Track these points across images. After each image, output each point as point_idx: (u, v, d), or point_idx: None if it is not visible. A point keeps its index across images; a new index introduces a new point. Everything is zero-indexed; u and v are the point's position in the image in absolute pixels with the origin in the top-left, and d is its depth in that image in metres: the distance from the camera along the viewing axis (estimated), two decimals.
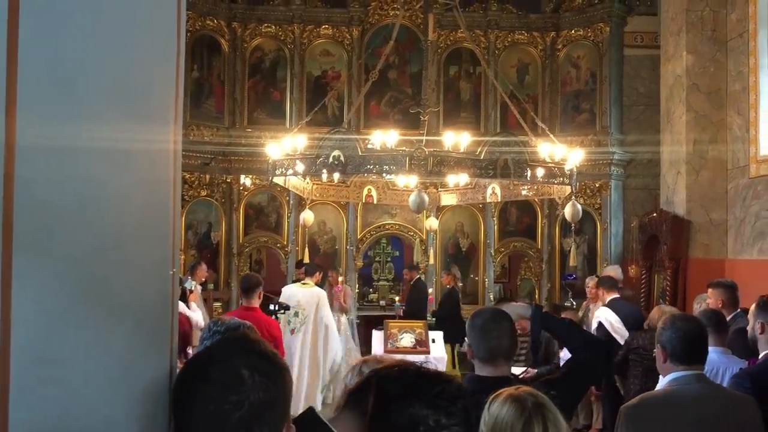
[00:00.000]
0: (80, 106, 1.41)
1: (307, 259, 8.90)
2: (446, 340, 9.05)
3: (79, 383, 1.49)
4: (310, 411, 1.77)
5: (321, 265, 8.60)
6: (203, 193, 10.99)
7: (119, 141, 1.68)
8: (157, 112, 2.01)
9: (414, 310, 9.77)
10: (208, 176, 11.02)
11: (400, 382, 1.67)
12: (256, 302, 5.54)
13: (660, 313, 6.42)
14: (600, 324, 7.03)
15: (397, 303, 10.82)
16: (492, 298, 11.21)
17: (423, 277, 10.37)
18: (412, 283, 10.66)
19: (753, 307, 3.81)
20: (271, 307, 8.09)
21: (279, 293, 9.33)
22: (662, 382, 3.08)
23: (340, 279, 9.83)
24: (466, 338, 2.94)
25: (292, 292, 7.68)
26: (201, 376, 1.48)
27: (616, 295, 7.41)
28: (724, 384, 3.74)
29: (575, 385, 3.11)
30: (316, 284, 7.85)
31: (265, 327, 5.22)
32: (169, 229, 2.12)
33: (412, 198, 5.87)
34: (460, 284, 10.91)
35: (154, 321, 1.95)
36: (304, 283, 7.77)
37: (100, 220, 1.57)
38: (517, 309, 3.16)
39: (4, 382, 1.13)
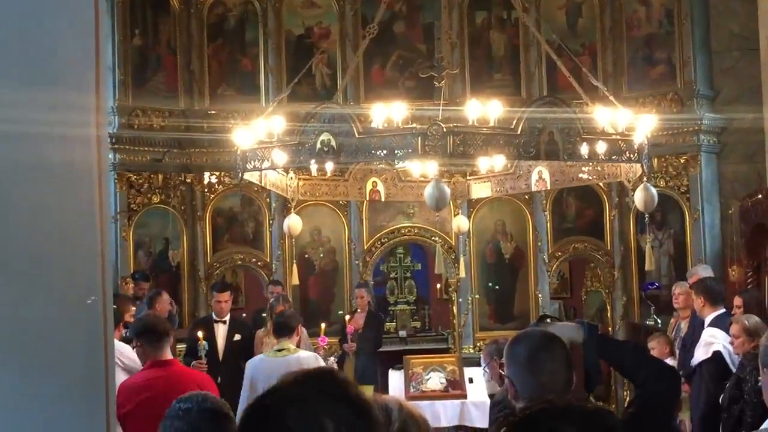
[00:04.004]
0: None
1: (296, 281, 8.94)
2: (367, 380, 8.85)
3: None
4: None
5: (293, 315, 7.40)
6: (155, 199, 11.09)
7: (24, 125, 1.73)
8: (72, 90, 2.06)
9: None
10: (160, 176, 11.13)
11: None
12: (168, 353, 5.23)
13: (741, 328, 6.34)
14: (717, 354, 6.72)
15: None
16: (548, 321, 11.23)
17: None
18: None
19: None
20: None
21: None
22: None
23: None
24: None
25: (265, 370, 6.58)
26: (274, 419, 1.53)
27: (722, 311, 7.26)
28: None
29: (649, 429, 3.15)
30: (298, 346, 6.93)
31: (196, 386, 4.65)
32: (96, 246, 2.17)
33: (428, 191, 5.91)
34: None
35: (82, 370, 2.00)
36: (278, 350, 6.71)
37: (4, 233, 1.63)
38: (564, 331, 3.20)
39: None
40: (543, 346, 2.94)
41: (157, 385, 4.76)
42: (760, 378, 5.79)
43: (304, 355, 6.81)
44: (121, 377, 5.79)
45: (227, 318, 8.99)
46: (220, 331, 8.91)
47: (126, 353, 6.46)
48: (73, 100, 2.11)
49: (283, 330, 6.82)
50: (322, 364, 6.88)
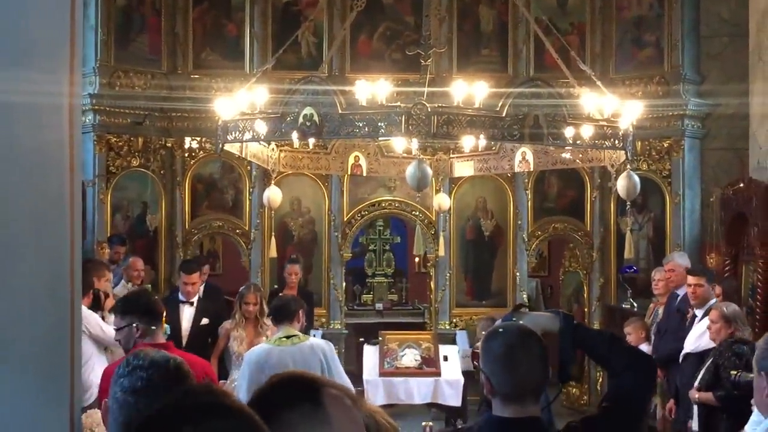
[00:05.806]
0: None
1: (274, 254, 8.89)
2: None
3: None
4: None
5: (294, 299, 6.73)
6: (135, 162, 10.99)
7: None
8: (43, 54, 1.98)
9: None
10: (141, 140, 11.03)
11: None
12: (162, 335, 4.75)
13: (719, 314, 6.48)
14: None
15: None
16: (525, 299, 11.27)
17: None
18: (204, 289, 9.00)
19: None
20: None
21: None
22: (765, 425, 3.11)
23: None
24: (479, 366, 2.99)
25: (276, 359, 5.86)
26: None
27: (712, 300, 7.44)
28: None
29: (624, 423, 3.16)
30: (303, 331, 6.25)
31: (198, 370, 4.42)
32: (66, 225, 2.11)
33: (410, 171, 5.89)
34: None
35: (46, 361, 1.97)
36: (284, 338, 6.00)
37: None
38: (540, 321, 3.20)
39: None
40: (519, 342, 2.93)
41: None
42: (735, 372, 5.87)
43: (317, 342, 6.18)
44: (85, 346, 5.63)
45: (195, 300, 8.27)
46: (186, 314, 8.17)
47: (93, 322, 6.36)
48: (46, 70, 2.04)
49: (282, 314, 6.15)
50: (334, 352, 6.25)
